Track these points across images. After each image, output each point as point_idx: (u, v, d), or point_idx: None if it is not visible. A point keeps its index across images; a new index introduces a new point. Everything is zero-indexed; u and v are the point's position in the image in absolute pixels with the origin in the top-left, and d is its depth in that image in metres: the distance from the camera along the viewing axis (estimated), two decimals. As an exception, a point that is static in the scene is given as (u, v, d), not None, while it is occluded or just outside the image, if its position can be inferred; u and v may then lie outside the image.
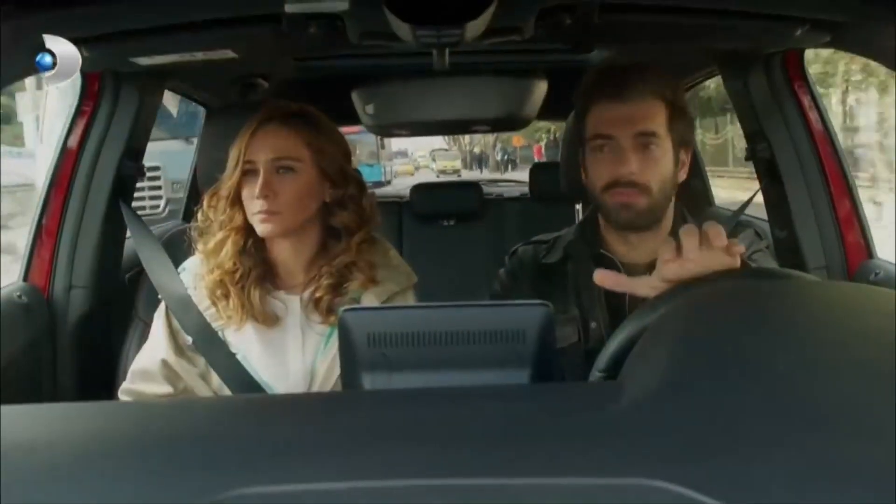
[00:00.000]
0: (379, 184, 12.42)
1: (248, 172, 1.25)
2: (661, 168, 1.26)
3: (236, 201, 1.27)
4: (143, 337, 1.74)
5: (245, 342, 1.28)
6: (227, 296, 1.28)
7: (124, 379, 1.35)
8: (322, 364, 1.27)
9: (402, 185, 6.90)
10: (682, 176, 1.31)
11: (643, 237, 1.29)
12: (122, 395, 1.32)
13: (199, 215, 1.31)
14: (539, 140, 18.06)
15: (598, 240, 1.35)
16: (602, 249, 1.32)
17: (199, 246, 1.32)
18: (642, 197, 1.25)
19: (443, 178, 14.91)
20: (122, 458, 0.49)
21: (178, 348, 1.31)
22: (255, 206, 1.24)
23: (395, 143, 20.96)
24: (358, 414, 0.58)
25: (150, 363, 1.31)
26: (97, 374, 1.72)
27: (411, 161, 26.23)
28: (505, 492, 0.42)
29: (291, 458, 0.47)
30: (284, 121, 1.26)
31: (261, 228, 1.25)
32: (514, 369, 0.70)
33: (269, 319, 1.28)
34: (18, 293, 1.64)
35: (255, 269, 1.28)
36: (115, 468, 0.47)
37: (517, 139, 19.47)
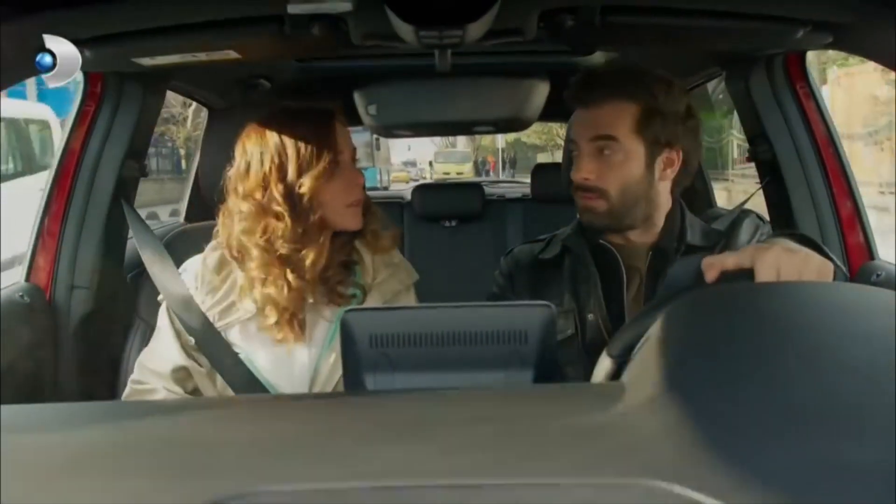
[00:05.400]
0: (375, 189, 11.69)
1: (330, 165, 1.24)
2: (621, 171, 1.28)
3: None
4: (145, 337, 1.75)
5: (249, 341, 1.28)
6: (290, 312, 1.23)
7: (126, 379, 1.35)
8: (325, 362, 1.27)
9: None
10: (671, 174, 1.31)
11: (635, 233, 1.33)
12: (132, 385, 1.32)
13: (275, 221, 1.20)
14: (494, 157, 27.06)
15: (598, 232, 1.36)
16: (602, 240, 1.34)
17: (283, 251, 1.20)
18: (601, 201, 1.28)
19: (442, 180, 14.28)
20: (123, 458, 0.49)
21: (184, 348, 1.31)
22: (349, 197, 1.25)
23: (402, 155, 25.75)
24: (360, 414, 0.58)
25: (162, 365, 1.30)
26: (99, 375, 1.72)
27: (417, 171, 26.36)
28: (507, 492, 0.42)
29: (294, 458, 0.47)
30: (342, 120, 1.31)
31: (356, 221, 1.27)
32: (516, 370, 0.70)
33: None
34: (20, 293, 1.64)
35: None
36: (116, 468, 0.47)
37: (490, 157, 27.89)
